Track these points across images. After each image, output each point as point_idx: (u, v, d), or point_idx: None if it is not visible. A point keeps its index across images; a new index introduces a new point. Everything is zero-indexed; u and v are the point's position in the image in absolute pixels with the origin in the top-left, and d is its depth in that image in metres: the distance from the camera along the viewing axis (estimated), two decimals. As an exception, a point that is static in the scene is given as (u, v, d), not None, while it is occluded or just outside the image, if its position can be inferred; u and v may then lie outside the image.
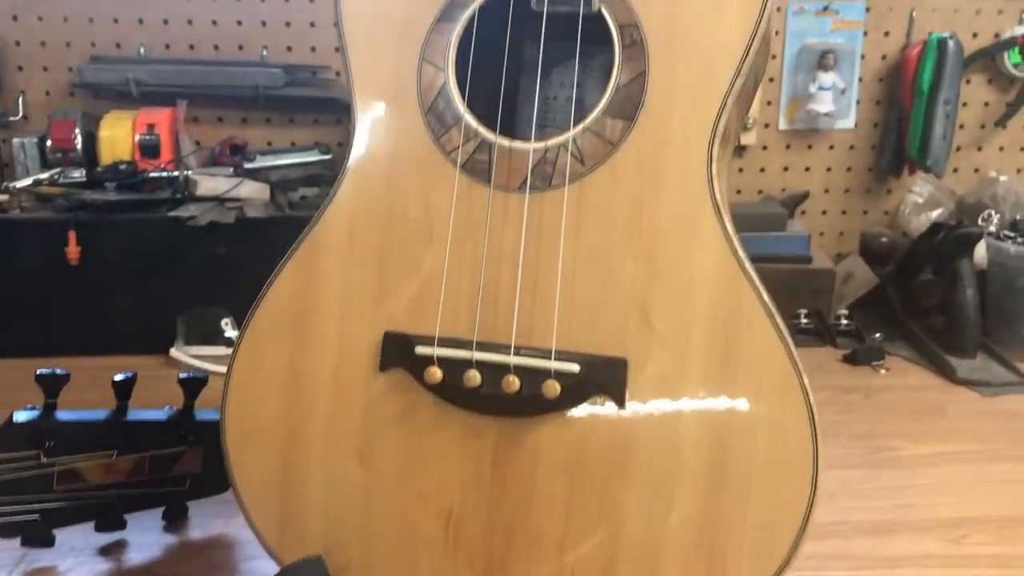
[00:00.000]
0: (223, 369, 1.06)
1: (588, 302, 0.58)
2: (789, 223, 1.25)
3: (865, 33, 1.31)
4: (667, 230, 0.57)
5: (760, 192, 1.36)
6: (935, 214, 1.33)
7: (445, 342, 0.59)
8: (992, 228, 1.16)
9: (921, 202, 1.34)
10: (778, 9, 1.30)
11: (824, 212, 1.37)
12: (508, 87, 0.63)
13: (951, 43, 1.25)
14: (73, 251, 1.10)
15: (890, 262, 1.29)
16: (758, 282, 0.56)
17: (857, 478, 0.87)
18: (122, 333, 1.13)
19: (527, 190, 0.59)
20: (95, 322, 1.13)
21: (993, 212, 1.19)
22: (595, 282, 0.58)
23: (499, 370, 0.57)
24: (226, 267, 1.12)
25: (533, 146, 0.60)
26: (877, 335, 1.14)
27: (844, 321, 1.18)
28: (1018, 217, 1.15)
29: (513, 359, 0.57)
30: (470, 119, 0.61)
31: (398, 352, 0.60)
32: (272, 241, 1.10)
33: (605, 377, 0.57)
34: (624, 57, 0.59)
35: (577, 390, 0.57)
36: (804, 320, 1.19)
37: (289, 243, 1.09)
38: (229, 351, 1.12)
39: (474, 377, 0.58)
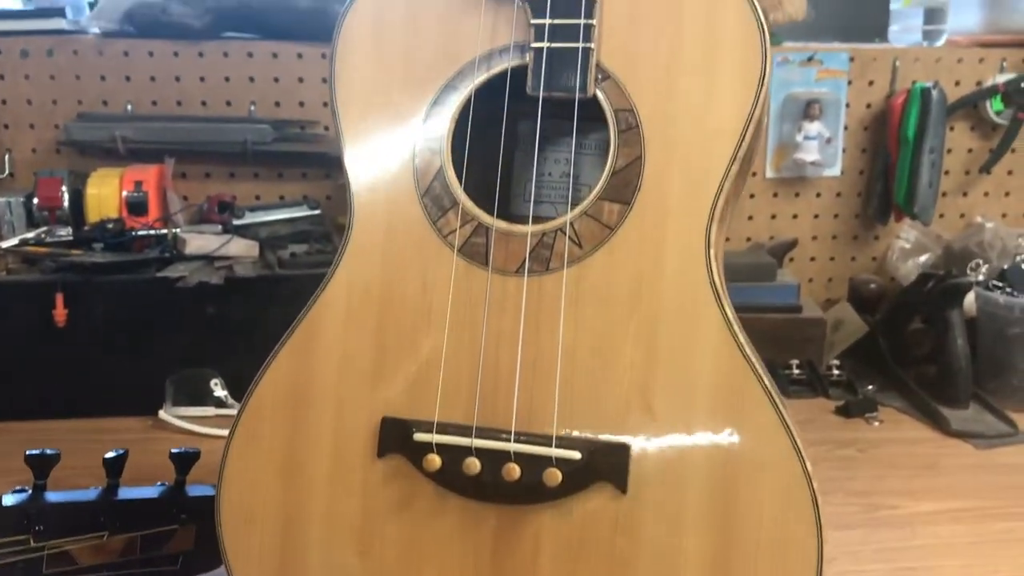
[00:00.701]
0: (212, 431, 1.07)
1: (589, 386, 0.57)
2: (779, 272, 1.26)
3: (849, 82, 1.33)
4: (666, 314, 0.57)
5: (748, 239, 1.36)
6: (923, 259, 1.34)
7: (444, 428, 0.58)
8: (980, 277, 1.16)
9: (908, 247, 1.35)
10: (763, 60, 1.30)
11: (812, 259, 1.38)
12: (505, 169, 0.63)
13: (935, 92, 1.26)
14: (60, 313, 1.08)
15: (879, 308, 1.30)
16: (759, 367, 0.56)
17: (856, 539, 0.86)
18: (110, 395, 1.11)
19: (525, 273, 0.59)
20: (82, 384, 1.11)
21: (981, 261, 1.20)
22: (595, 366, 0.57)
23: (499, 457, 0.57)
24: (215, 327, 1.11)
25: (531, 229, 0.60)
26: (869, 386, 1.14)
27: (836, 371, 1.18)
28: (1006, 266, 1.16)
29: (513, 446, 0.57)
30: (467, 203, 0.61)
31: (396, 438, 0.59)
32: (261, 301, 1.12)
33: (607, 463, 0.56)
34: (620, 142, 0.59)
35: (579, 477, 0.56)
36: (796, 371, 1.19)
37: (279, 303, 1.10)
38: (218, 412, 1.12)
39: (474, 465, 0.57)
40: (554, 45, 0.59)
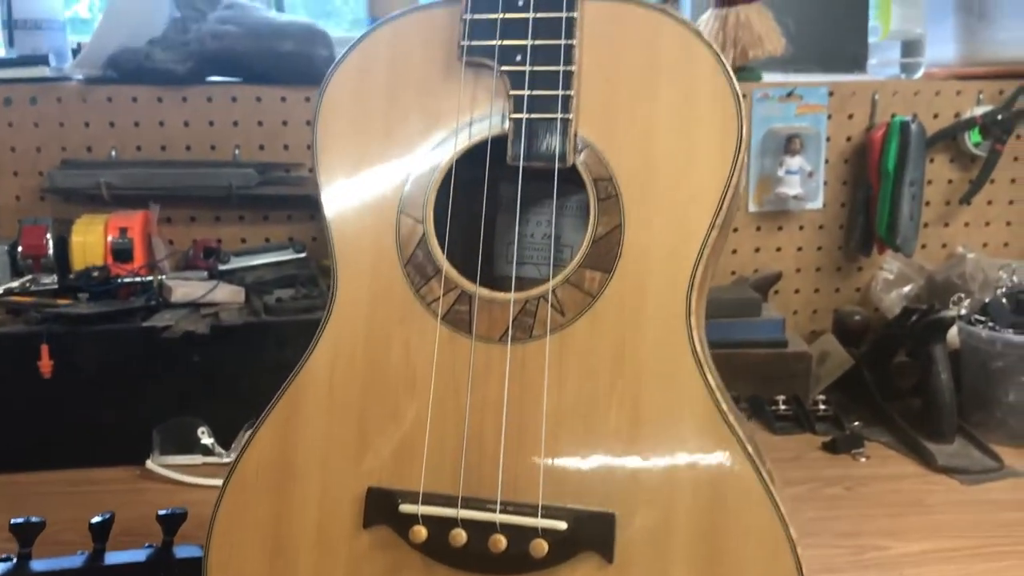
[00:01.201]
0: (201, 480, 1.07)
1: (574, 454, 0.58)
2: (764, 307, 1.27)
3: (829, 116, 1.34)
4: (649, 382, 0.58)
5: (733, 273, 1.37)
6: (906, 290, 1.35)
7: (430, 499, 0.58)
8: (963, 311, 1.17)
9: (891, 278, 1.36)
10: (744, 96, 1.32)
11: (797, 291, 1.39)
12: (487, 230, 0.63)
13: (914, 126, 1.28)
14: (46, 365, 1.08)
15: (864, 339, 1.30)
16: (742, 433, 0.57)
17: (844, 584, 0.87)
18: (96, 445, 1.11)
19: (509, 341, 0.59)
20: (69, 435, 1.10)
21: (963, 295, 1.21)
22: (580, 434, 0.58)
23: (485, 528, 0.57)
24: (202, 376, 1.11)
25: (513, 297, 0.60)
26: (856, 423, 1.15)
27: (822, 406, 1.19)
28: (987, 299, 1.17)
29: (499, 517, 0.57)
30: (450, 270, 0.61)
31: (382, 509, 0.59)
32: (248, 348, 1.12)
33: (593, 532, 0.57)
34: (600, 210, 0.59)
35: (565, 547, 0.57)
36: (783, 406, 1.19)
37: (265, 350, 1.10)
38: (206, 460, 1.11)
39: (460, 536, 0.57)
40: (533, 116, 0.59)
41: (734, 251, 1.37)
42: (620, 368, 0.58)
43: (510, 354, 0.59)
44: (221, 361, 1.10)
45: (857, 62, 1.52)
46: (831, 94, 1.33)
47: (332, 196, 0.63)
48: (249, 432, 0.63)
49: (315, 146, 0.65)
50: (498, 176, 0.64)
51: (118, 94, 1.26)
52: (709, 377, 0.57)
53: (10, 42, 1.30)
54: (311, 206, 1.28)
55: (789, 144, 1.32)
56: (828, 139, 1.35)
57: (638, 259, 0.58)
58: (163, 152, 1.28)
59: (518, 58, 0.59)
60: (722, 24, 1.32)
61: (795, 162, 1.33)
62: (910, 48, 1.39)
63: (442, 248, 0.62)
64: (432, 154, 0.62)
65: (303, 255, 1.25)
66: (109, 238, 1.20)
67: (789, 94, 1.33)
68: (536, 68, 0.59)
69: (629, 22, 0.58)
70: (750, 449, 0.57)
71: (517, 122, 0.60)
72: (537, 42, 0.59)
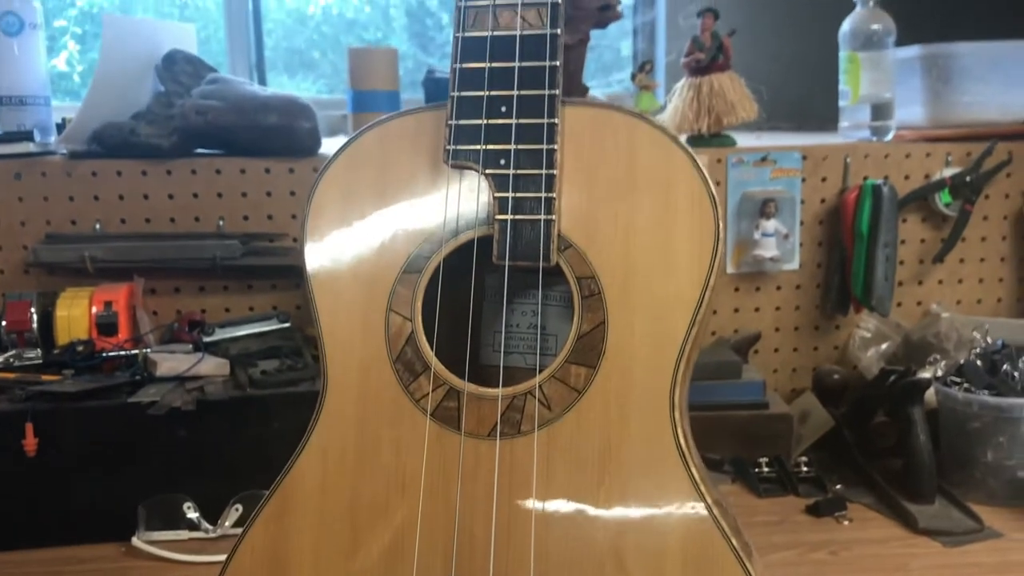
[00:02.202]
0: (186, 557, 1.06)
1: (563, 549, 0.59)
2: (744, 368, 1.28)
3: (803, 180, 1.37)
4: (636, 476, 0.59)
5: (714, 333, 1.39)
6: (883, 347, 1.38)
7: (422, 596, 0.59)
8: (939, 372, 1.20)
9: (869, 337, 1.39)
10: (719, 161, 1.35)
11: (776, 350, 1.41)
12: (474, 320, 0.65)
13: (885, 189, 1.31)
14: (31, 443, 1.08)
15: (843, 397, 1.32)
16: (726, 526, 0.58)
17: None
18: (81, 523, 1.10)
19: (497, 437, 0.61)
20: (54, 512, 1.10)
21: (939, 356, 1.24)
22: (569, 530, 0.59)
23: (477, 625, 0.58)
24: (188, 451, 1.11)
25: (501, 393, 0.61)
26: (838, 485, 1.16)
27: (804, 468, 1.21)
28: (962, 360, 1.19)
29: (491, 614, 0.58)
30: (439, 367, 0.62)
31: (374, 607, 0.60)
32: (233, 423, 1.12)
33: (583, 627, 0.57)
34: (584, 307, 0.61)
35: (556, 642, 0.57)
36: (766, 469, 1.21)
37: (251, 425, 1.11)
38: (192, 535, 1.11)
39: (452, 633, 0.58)
40: (517, 217, 0.61)
41: (714, 312, 1.39)
42: (607, 463, 0.59)
43: (499, 450, 0.60)
44: (207, 435, 1.10)
45: (831, 121, 1.55)
46: (804, 158, 1.37)
47: (322, 293, 0.65)
48: (242, 529, 0.64)
49: (303, 244, 0.66)
50: (485, 266, 0.66)
51: (103, 168, 1.27)
52: (694, 470, 0.59)
53: (-5, 117, 1.31)
54: (295, 275, 1.29)
55: (764, 207, 1.35)
56: (803, 201, 1.38)
57: (622, 356, 0.60)
58: (147, 224, 1.29)
59: (502, 162, 0.61)
60: (696, 93, 1.35)
61: (770, 225, 1.35)
62: (879, 111, 1.42)
63: (430, 344, 0.63)
64: (419, 253, 0.64)
65: (287, 324, 1.26)
66: (94, 311, 1.20)
67: (763, 159, 1.36)
68: (520, 172, 0.61)
69: (609, 127, 0.61)
70: (735, 542, 0.58)
71: (502, 223, 0.62)
72: (520, 147, 0.61)
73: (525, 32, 0.60)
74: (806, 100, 1.75)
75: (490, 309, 0.72)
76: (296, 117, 1.28)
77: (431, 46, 2.39)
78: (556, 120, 0.60)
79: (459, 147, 0.62)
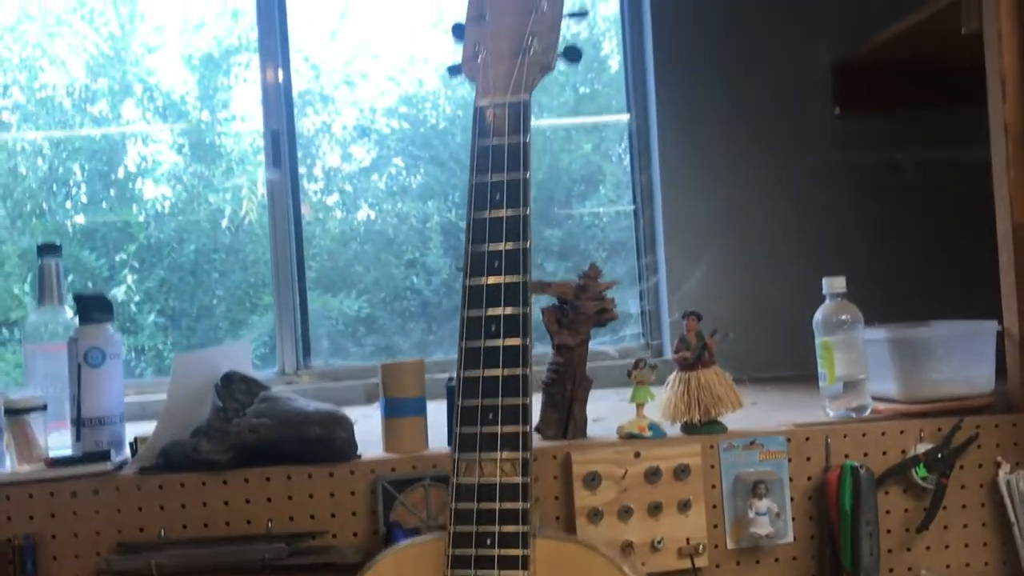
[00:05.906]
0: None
1: None
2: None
3: (789, 460, 1.52)
4: None
5: (719, 605, 1.50)
6: (880, 615, 1.47)
7: None
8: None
9: (865, 604, 1.48)
10: (711, 447, 1.51)
11: (780, 619, 1.51)
12: None
13: (863, 472, 1.45)
14: None
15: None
16: None
17: None
18: None
19: None
20: None
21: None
22: None
23: None
24: None
25: None
26: None
27: None
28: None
29: None
30: None
31: None
32: None
33: None
34: None
35: None
36: None
37: None
38: None
39: None
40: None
41: None
42: None
43: None
44: None
45: (811, 365, 1.69)
46: (788, 440, 1.52)
47: None
48: None
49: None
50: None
51: (168, 481, 1.46)
52: None
53: (77, 437, 1.52)
54: (333, 571, 1.45)
55: (755, 488, 1.49)
56: (791, 479, 1.51)
57: None
58: (205, 529, 1.46)
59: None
60: (686, 386, 1.53)
61: (763, 504, 1.49)
62: (855, 390, 1.58)
63: None
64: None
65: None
66: (158, 616, 1.36)
67: (751, 443, 1.51)
68: None
69: (569, 554, 0.77)
70: None
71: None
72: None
73: (504, 480, 0.78)
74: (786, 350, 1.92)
75: None
76: (336, 428, 1.48)
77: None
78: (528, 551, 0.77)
79: (457, 571, 0.78)
